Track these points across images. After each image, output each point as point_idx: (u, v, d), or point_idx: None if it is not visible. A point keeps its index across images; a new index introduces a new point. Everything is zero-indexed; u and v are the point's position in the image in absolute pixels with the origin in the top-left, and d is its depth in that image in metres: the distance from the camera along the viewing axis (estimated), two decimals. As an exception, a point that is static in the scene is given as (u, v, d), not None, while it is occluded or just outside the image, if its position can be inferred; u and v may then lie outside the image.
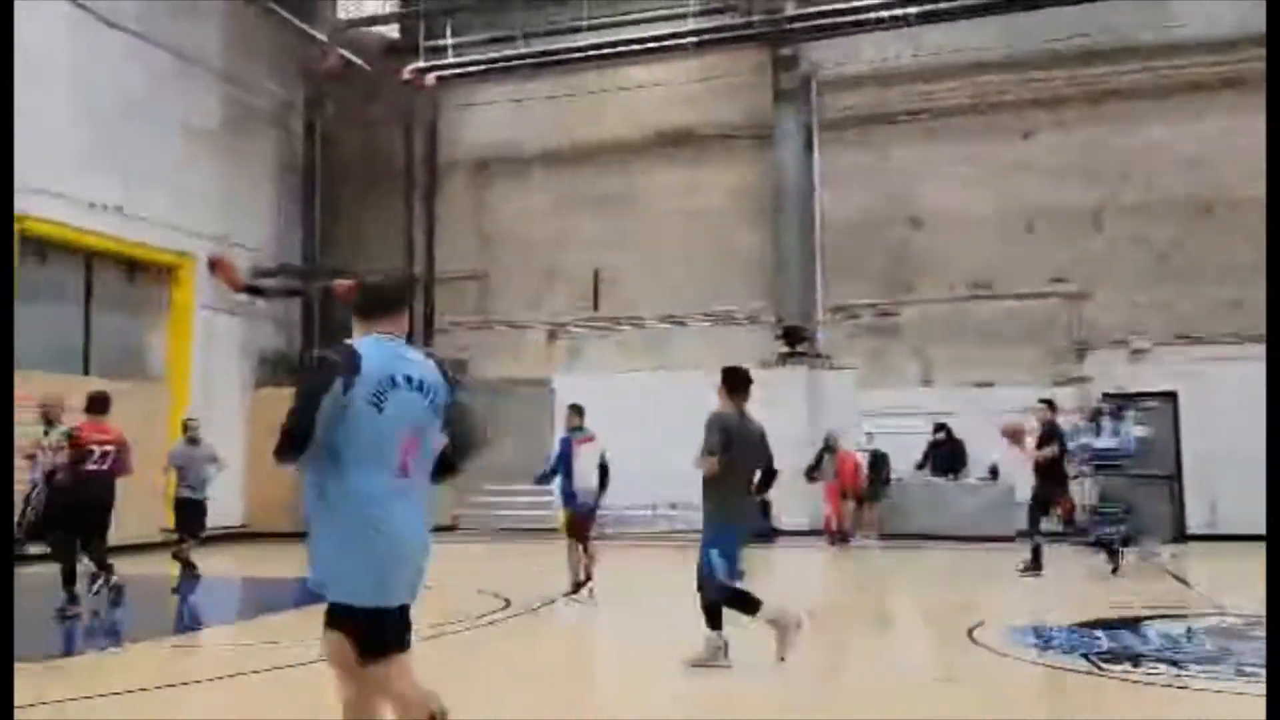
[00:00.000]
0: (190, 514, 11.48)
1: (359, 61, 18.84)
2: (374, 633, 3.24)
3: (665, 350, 18.14)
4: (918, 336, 17.12)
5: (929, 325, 17.03)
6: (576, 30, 18.65)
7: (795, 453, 14.17)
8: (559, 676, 7.03)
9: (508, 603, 9.44)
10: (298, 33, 18.26)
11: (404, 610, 3.34)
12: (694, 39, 17.89)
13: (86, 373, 15.23)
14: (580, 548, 9.93)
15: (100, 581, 8.96)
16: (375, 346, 3.43)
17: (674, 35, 17.97)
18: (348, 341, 3.45)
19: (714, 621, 6.55)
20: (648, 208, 18.62)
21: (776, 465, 7.00)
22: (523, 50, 18.76)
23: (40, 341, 14.25)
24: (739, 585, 6.59)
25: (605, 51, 18.37)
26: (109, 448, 8.95)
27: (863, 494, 15.64)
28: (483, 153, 19.71)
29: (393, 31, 19.74)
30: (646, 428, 17.07)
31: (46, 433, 9.05)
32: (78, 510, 8.81)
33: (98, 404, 9.13)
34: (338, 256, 19.07)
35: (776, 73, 18.01)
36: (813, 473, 15.48)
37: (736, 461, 6.55)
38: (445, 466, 3.54)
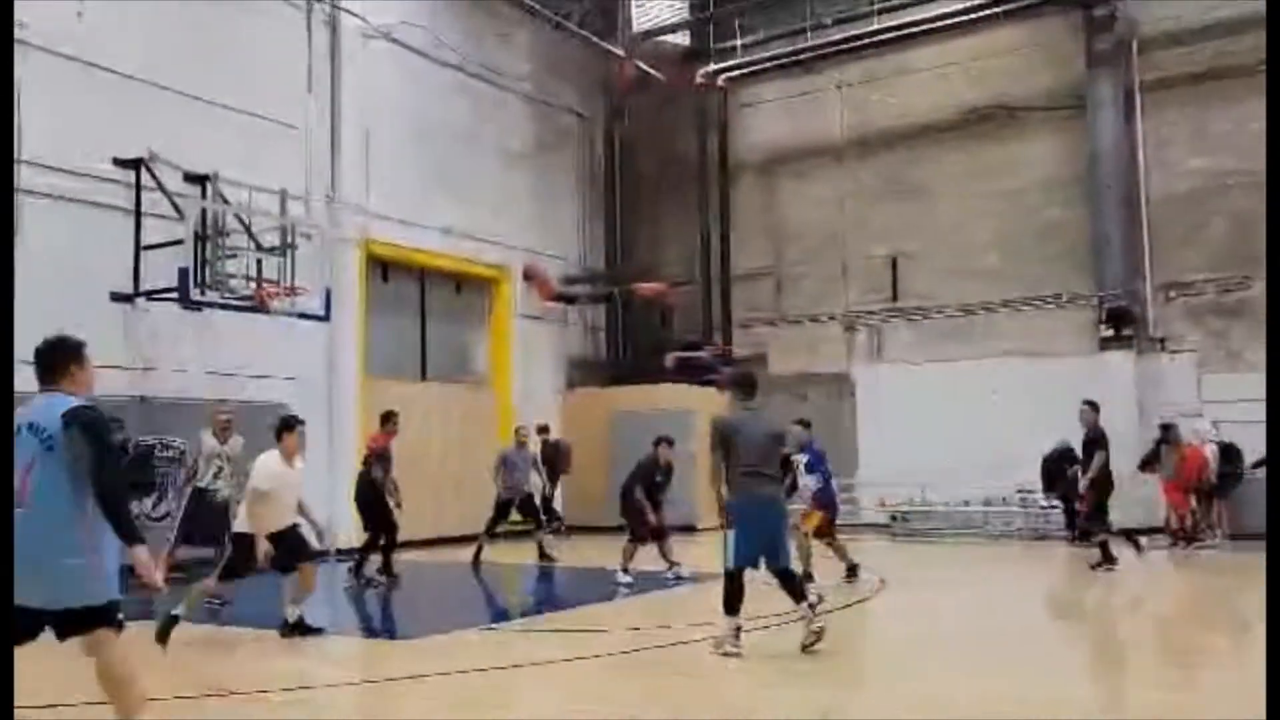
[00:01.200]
0: (503, 512, 13.00)
1: (653, 71, 19.50)
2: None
3: (973, 338, 17.36)
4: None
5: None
6: (867, 15, 18.28)
7: (1122, 445, 13.05)
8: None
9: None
10: (597, 50, 19.19)
11: (40, 612, 4.10)
12: (996, 8, 17.00)
13: (424, 378, 16.84)
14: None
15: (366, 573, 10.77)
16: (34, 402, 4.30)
17: (973, 9, 17.17)
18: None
19: (728, 605, 6.84)
20: (949, 191, 17.89)
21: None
22: (812, 42, 18.64)
23: (385, 352, 15.94)
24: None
25: (899, 34, 17.88)
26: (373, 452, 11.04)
27: (1211, 490, 14.13)
28: (773, 148, 19.76)
29: (684, 38, 20.25)
30: (953, 420, 16.48)
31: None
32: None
33: (382, 418, 11.27)
34: (638, 260, 19.86)
35: (1090, 36, 16.68)
36: (1147, 466, 14.20)
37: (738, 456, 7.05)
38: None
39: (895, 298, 18.31)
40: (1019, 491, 15.63)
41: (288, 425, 7.76)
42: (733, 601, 6.83)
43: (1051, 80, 17.19)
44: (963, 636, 7.98)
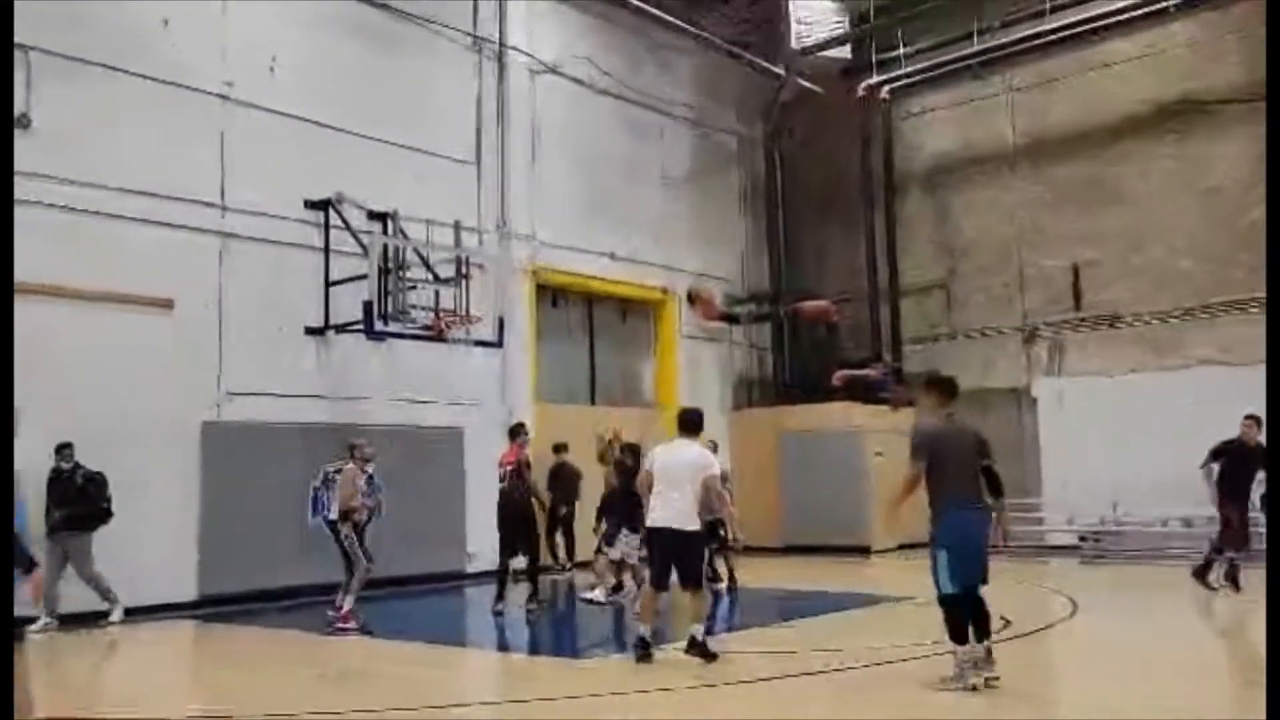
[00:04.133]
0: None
1: (814, 88, 19.36)
2: None
3: (1164, 348, 16.33)
4: None
5: None
6: (1039, 15, 17.60)
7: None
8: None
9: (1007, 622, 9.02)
10: (757, 70, 19.22)
11: None
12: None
13: (593, 402, 17.19)
14: None
15: (529, 595, 10.64)
16: None
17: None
18: None
19: (955, 634, 6.35)
20: (1133, 192, 16.95)
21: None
22: (978, 47, 18.09)
23: (556, 377, 16.38)
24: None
25: (1073, 32, 17.15)
26: (507, 468, 10.70)
27: None
28: (940, 159, 19.25)
29: (845, 52, 20.01)
30: (1145, 434, 15.52)
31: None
32: (499, 522, 10.78)
33: (511, 431, 11.16)
34: (802, 279, 19.68)
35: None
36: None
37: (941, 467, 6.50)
38: None
39: (1078, 307, 17.45)
40: (1222, 511, 14.53)
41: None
42: (959, 631, 6.31)
43: (1245, 70, 16.06)
44: (1159, 665, 7.51)
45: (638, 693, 6.62)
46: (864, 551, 16.41)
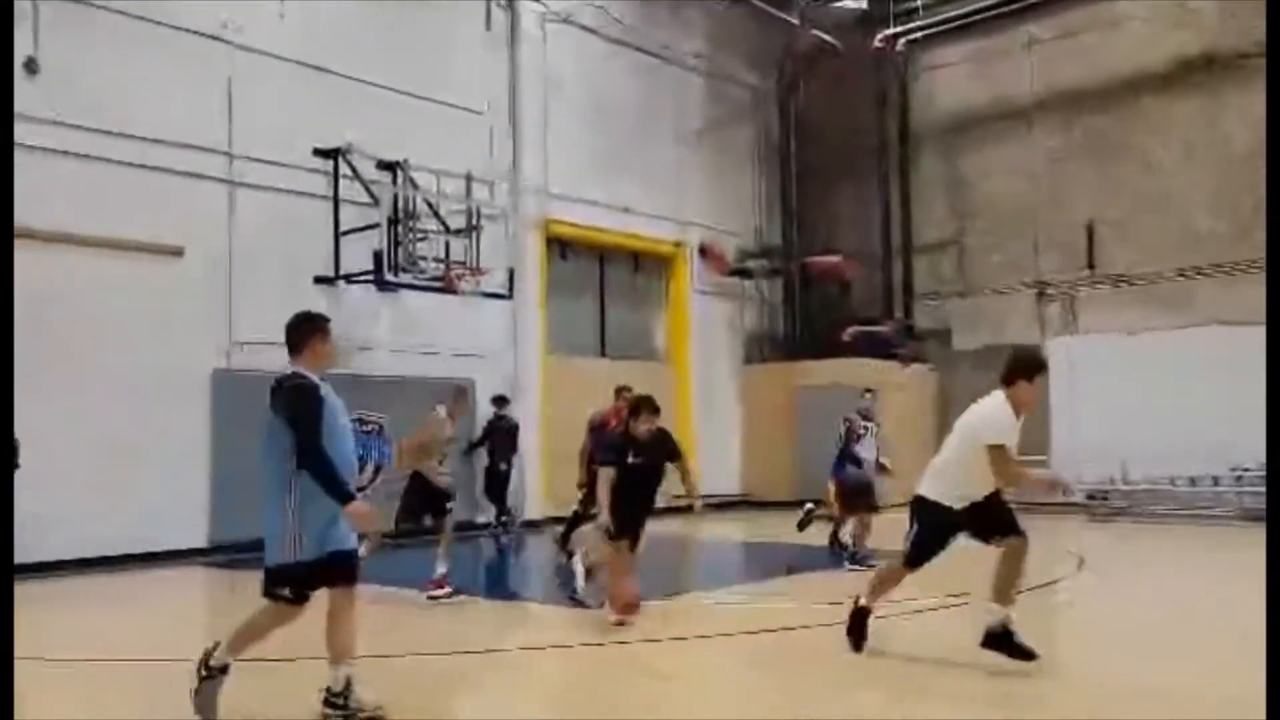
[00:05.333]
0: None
1: (829, 39, 19.06)
2: None
3: (1180, 307, 16.17)
4: None
5: None
6: (1059, -35, 17.24)
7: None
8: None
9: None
10: (771, 21, 18.90)
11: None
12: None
13: (603, 355, 17.17)
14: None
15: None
16: None
17: (1177, -50, 15.93)
18: None
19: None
20: (1150, 150, 16.69)
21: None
22: (996, -1, 17.74)
23: (566, 330, 16.33)
24: None
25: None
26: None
27: None
28: (955, 114, 18.96)
29: (862, 2, 19.66)
30: (1158, 393, 15.44)
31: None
32: None
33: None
34: (815, 235, 19.53)
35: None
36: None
37: None
38: None
39: (1091, 266, 17.27)
40: (1233, 470, 14.50)
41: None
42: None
43: (1264, 24, 15.72)
44: (1164, 625, 7.51)
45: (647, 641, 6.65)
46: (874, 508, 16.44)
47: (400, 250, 12.03)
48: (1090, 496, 15.73)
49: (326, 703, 4.63)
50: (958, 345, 18.14)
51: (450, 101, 14.15)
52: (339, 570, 4.60)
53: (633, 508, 7.25)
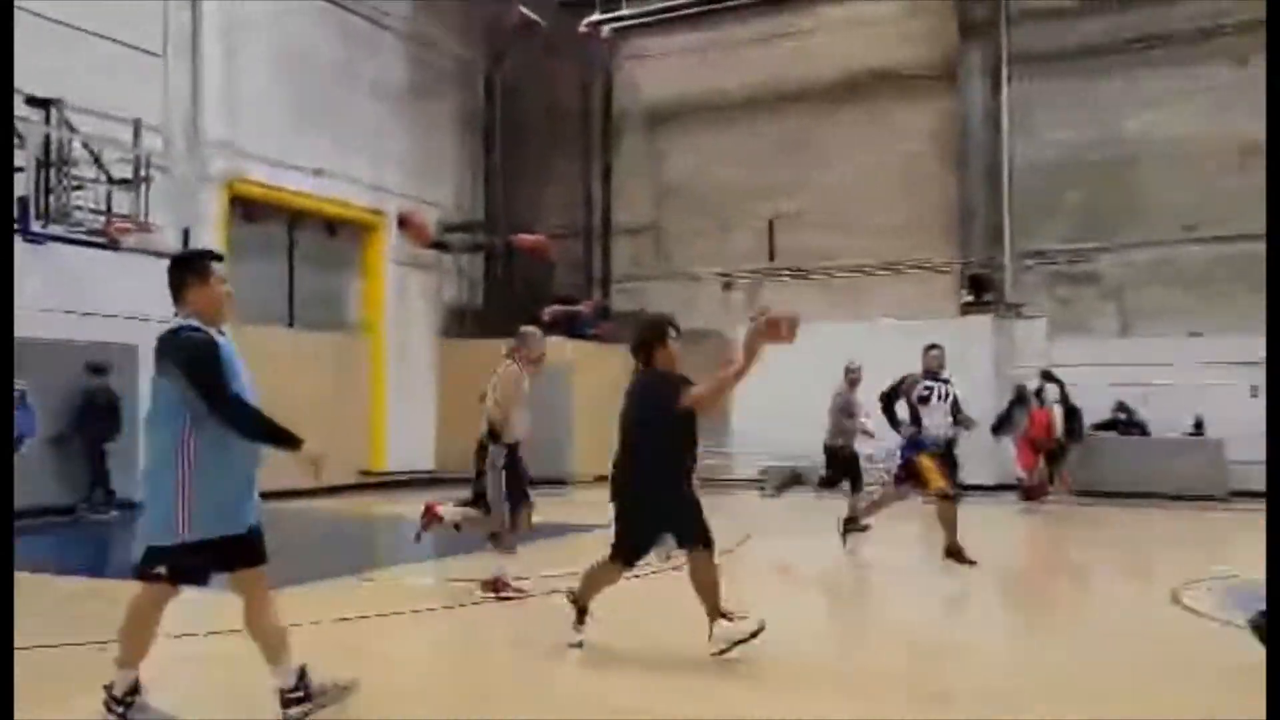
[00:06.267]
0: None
1: (537, 18, 19.13)
2: None
3: (847, 301, 17.75)
4: (1115, 283, 16.11)
5: (1128, 271, 15.98)
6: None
7: (982, 406, 13.59)
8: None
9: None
10: (480, -9, 18.71)
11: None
12: (875, -24, 17.29)
13: (291, 325, 16.32)
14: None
15: None
16: None
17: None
18: None
19: None
20: (830, 153, 18.19)
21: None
22: (702, -3, 18.57)
23: (250, 297, 15.31)
24: None
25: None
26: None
27: (1056, 448, 14.88)
28: (658, 103, 19.71)
29: (570, -15, 19.90)
30: (832, 381, 16.79)
31: None
32: None
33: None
34: (519, 211, 19.61)
35: (963, 6, 17.15)
36: (1001, 426, 14.85)
37: None
38: None
39: (772, 257, 18.56)
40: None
41: None
42: None
43: (931, 47, 17.60)
44: (815, 584, 8.25)
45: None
46: (563, 483, 16.82)
47: (51, 198, 10.77)
48: (763, 472, 16.89)
49: (287, 703, 4.10)
50: (650, 327, 18.91)
51: (120, 39, 12.82)
52: (238, 550, 4.04)
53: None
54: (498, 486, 7.20)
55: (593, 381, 16.06)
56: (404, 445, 16.97)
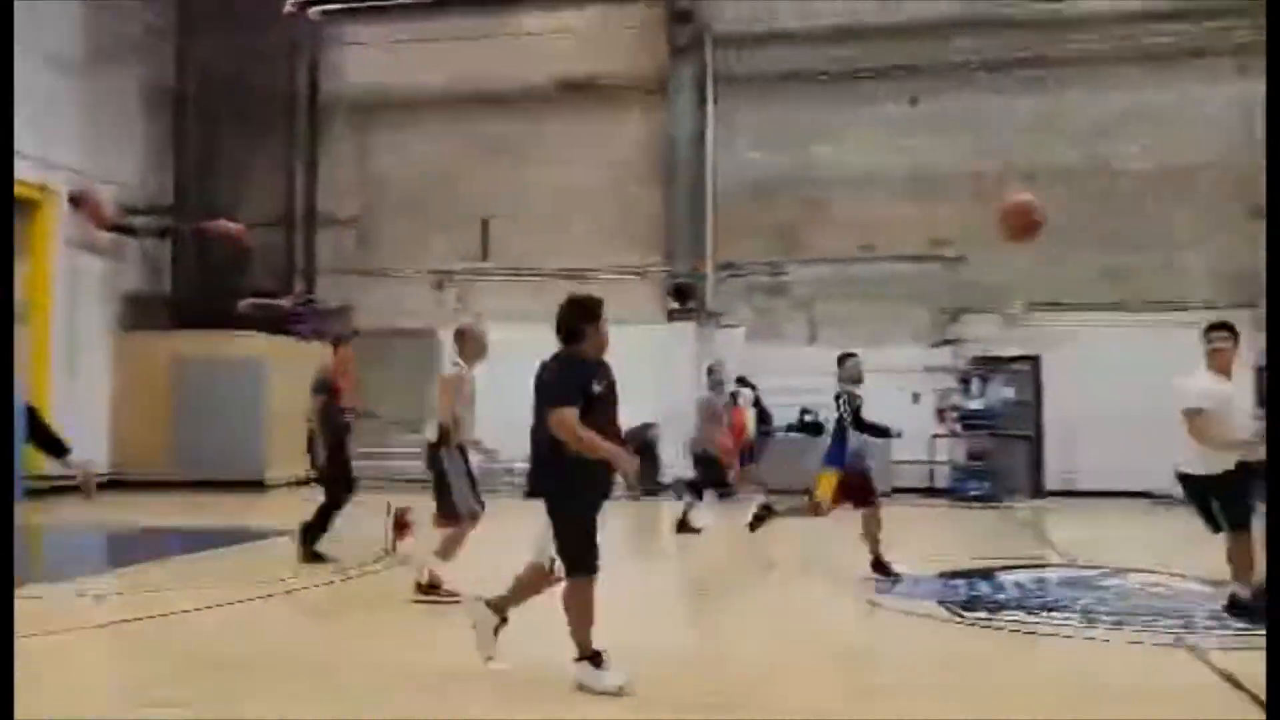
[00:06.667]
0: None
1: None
2: None
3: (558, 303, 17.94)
4: (805, 295, 17.42)
5: (817, 285, 17.32)
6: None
7: (687, 411, 14.22)
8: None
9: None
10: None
11: None
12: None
13: (-66, 310, 14.26)
14: None
15: None
16: None
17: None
18: None
19: None
20: (544, 157, 18.32)
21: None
22: (415, -10, 18.17)
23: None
24: None
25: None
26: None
27: (749, 449, 15.81)
28: (368, 93, 19.03)
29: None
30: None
31: None
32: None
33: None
34: (215, 195, 18.24)
35: (671, 26, 17.91)
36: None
37: None
38: None
39: (485, 257, 18.47)
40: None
41: None
42: None
43: (642, 62, 18.21)
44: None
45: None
46: (259, 485, 15.90)
47: None
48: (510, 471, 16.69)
49: None
50: (361, 324, 18.22)
51: None
52: None
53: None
54: (461, 489, 7.19)
55: (289, 379, 15.23)
56: (75, 444, 15.32)
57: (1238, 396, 6.55)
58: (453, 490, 7.14)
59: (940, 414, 16.26)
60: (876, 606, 7.37)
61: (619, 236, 17.95)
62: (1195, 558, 7.81)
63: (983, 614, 6.97)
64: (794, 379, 16.49)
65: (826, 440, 8.52)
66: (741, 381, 15.80)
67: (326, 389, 8.66)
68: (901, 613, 7.14)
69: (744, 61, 17.76)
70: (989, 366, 16.25)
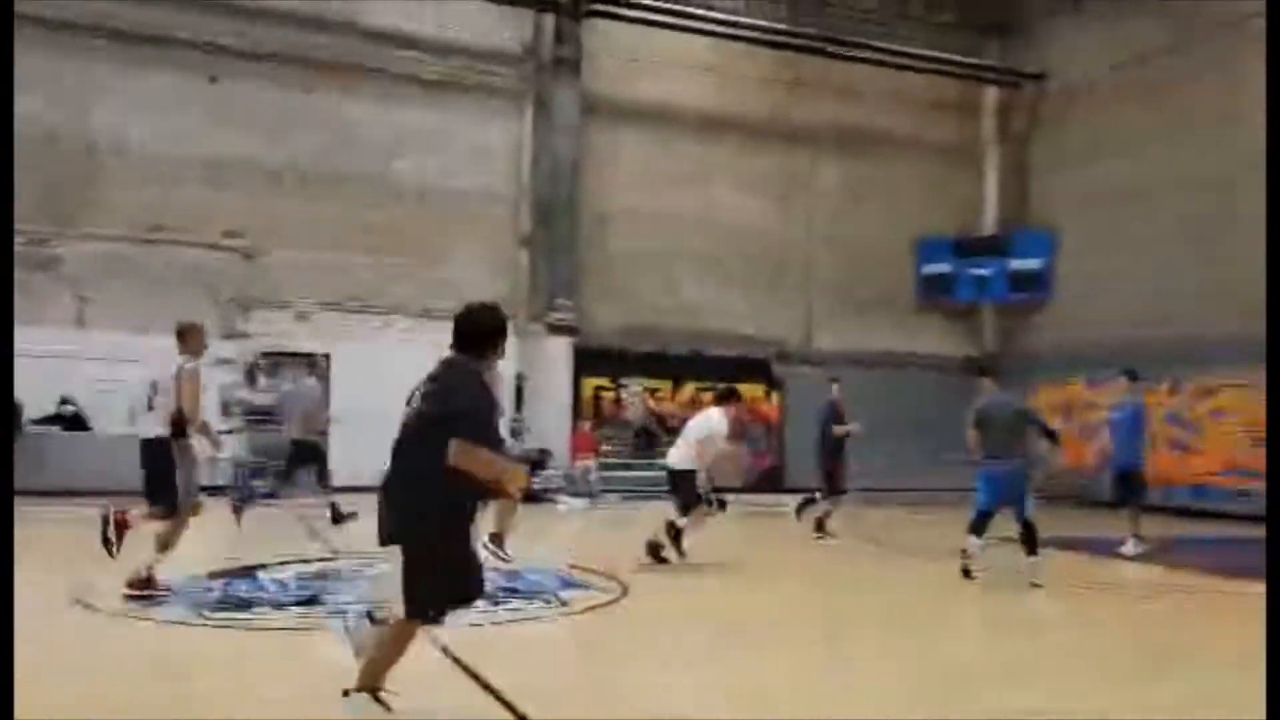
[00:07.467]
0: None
1: None
2: None
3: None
4: (78, 273, 15.63)
5: (92, 262, 15.65)
6: None
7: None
8: None
9: None
10: None
11: None
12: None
13: None
14: None
15: None
16: None
17: None
18: None
19: None
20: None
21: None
22: None
23: None
24: None
25: None
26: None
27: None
28: None
29: None
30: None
31: None
32: None
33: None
34: None
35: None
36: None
37: None
38: None
39: None
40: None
41: None
42: None
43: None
44: None
45: None
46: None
47: None
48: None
49: None
50: None
51: None
52: None
53: None
54: (190, 481, 7.25)
55: None
56: None
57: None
58: (178, 483, 7.16)
59: (225, 408, 15.82)
60: (125, 618, 6.78)
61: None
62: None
63: (233, 613, 6.85)
64: (57, 366, 14.80)
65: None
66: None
67: None
68: (150, 620, 6.66)
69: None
70: (278, 361, 16.24)
